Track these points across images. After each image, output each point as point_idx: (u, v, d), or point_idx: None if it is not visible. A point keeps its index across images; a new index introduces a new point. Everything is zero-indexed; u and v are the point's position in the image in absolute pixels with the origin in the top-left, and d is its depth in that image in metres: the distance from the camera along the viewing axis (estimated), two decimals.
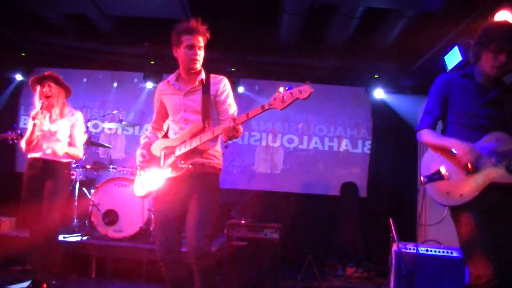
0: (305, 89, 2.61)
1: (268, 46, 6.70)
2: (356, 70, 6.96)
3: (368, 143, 7.16)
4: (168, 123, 3.32)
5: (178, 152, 3.03)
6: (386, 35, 5.98)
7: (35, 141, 4.09)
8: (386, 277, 4.88)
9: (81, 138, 4.32)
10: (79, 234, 5.33)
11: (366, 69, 6.89)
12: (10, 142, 4.47)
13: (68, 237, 5.16)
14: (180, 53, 3.10)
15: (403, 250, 4.46)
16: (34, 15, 6.32)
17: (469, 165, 2.52)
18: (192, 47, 3.04)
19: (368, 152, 7.13)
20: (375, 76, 6.81)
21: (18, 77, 7.19)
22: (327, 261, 6.18)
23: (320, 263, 5.67)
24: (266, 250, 4.73)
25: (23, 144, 4.15)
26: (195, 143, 2.96)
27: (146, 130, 3.43)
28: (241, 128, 2.90)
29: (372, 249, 6.41)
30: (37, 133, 4.09)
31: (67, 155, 4.18)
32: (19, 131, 4.40)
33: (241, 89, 6.98)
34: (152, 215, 5.13)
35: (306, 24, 5.91)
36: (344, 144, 7.22)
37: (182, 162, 3.02)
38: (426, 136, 2.79)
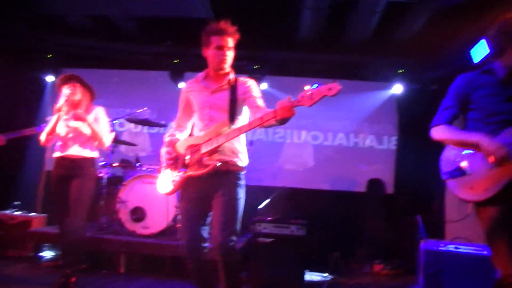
0: (333, 87, 2.60)
1: (290, 42, 6.67)
2: (379, 65, 6.87)
3: (393, 139, 7.07)
4: (194, 120, 3.35)
5: (204, 150, 3.05)
6: (409, 29, 5.88)
7: (55, 134, 4.18)
8: (414, 275, 4.83)
9: (106, 127, 4.38)
10: (107, 230, 5.43)
11: (389, 64, 6.79)
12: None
13: (97, 233, 5.26)
14: (209, 53, 3.15)
15: (431, 247, 4.41)
16: (59, 17, 6.44)
17: (501, 159, 2.44)
18: (221, 48, 3.09)
19: (394, 148, 7.04)
20: (399, 71, 6.72)
21: (46, 78, 7.34)
22: (354, 258, 6.13)
23: (346, 260, 5.63)
24: (292, 246, 4.74)
25: (43, 135, 4.23)
26: (221, 140, 2.98)
27: (171, 128, 3.47)
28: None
29: (399, 246, 6.33)
30: (61, 128, 4.16)
31: (94, 136, 4.22)
32: None
33: (264, 86, 6.97)
34: (179, 212, 5.18)
35: (328, 20, 5.87)
36: (369, 140, 7.15)
37: (208, 159, 3.04)
38: (444, 131, 2.72)
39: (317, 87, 2.64)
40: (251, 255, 4.79)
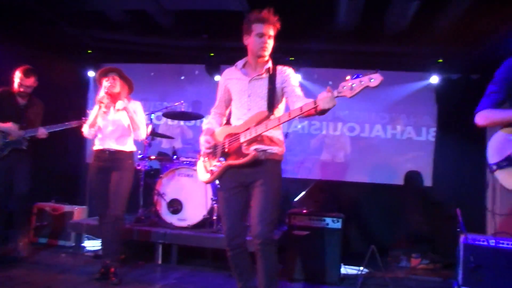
0: (375, 77, 2.56)
1: (326, 33, 6.58)
2: (418, 54, 6.70)
3: (432, 130, 6.90)
4: (231, 108, 3.37)
5: (242, 139, 3.08)
6: (449, 16, 5.68)
7: (101, 130, 4.27)
8: (453, 270, 4.72)
9: (142, 120, 4.45)
10: (145, 222, 5.54)
11: (428, 53, 6.61)
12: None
13: (135, 225, 5.38)
14: (250, 41, 3.17)
15: (472, 242, 4.30)
16: (98, 13, 6.57)
17: None
18: (262, 35, 3.11)
19: (433, 139, 6.87)
20: (439, 60, 6.54)
21: (86, 73, 7.53)
22: (391, 251, 6.04)
23: (383, 253, 5.55)
24: (328, 239, 4.71)
25: (85, 128, 4.34)
26: (260, 130, 2.99)
27: (209, 116, 3.50)
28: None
29: (437, 240, 6.19)
30: (100, 120, 4.26)
31: (133, 125, 4.30)
32: None
33: (299, 78, 6.92)
34: (215, 204, 5.24)
35: (364, 9, 5.76)
36: (407, 132, 7.00)
37: (247, 149, 3.06)
38: (488, 114, 2.61)
39: (358, 77, 2.60)
40: (287, 248, 4.80)
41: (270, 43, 3.17)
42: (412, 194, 6.56)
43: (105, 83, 4.25)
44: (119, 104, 4.24)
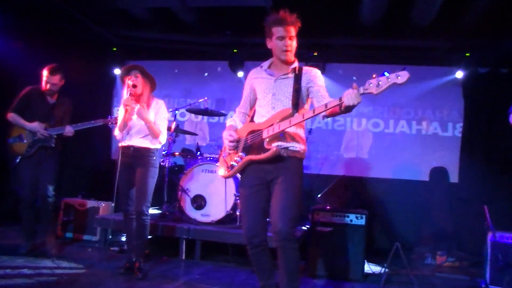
0: (402, 74, 2.55)
1: (350, 28, 6.53)
2: (444, 49, 6.58)
3: (459, 126, 6.77)
4: (256, 107, 3.38)
5: (265, 134, 3.09)
6: (477, 9, 5.57)
7: (127, 128, 4.33)
8: (480, 268, 4.64)
9: (164, 124, 4.49)
10: (169, 218, 5.60)
11: (455, 47, 6.48)
12: (110, 126, 4.84)
13: (159, 220, 5.44)
14: (272, 44, 3.19)
15: (500, 240, 4.21)
16: (123, 11, 6.65)
17: None
18: (282, 38, 3.11)
19: (460, 135, 6.74)
20: (466, 54, 6.40)
21: (111, 71, 7.64)
22: (416, 248, 5.97)
23: (408, 250, 5.50)
24: (351, 236, 4.68)
25: (116, 132, 4.42)
26: (284, 126, 3.00)
27: (233, 114, 3.52)
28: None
29: (464, 237, 6.09)
30: (129, 120, 4.32)
31: (151, 131, 4.34)
32: (117, 116, 4.69)
33: (323, 73, 6.87)
34: (238, 200, 5.26)
35: (389, 3, 5.67)
36: (433, 127, 6.89)
37: (268, 144, 3.06)
38: None
39: (385, 74, 2.59)
40: (310, 244, 4.79)
41: (293, 44, 3.16)
42: (437, 190, 6.46)
43: (128, 81, 4.29)
44: (141, 112, 4.26)
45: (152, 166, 4.40)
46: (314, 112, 2.90)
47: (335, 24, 6.47)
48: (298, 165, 3.17)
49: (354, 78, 6.90)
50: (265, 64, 3.32)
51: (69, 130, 4.85)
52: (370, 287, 4.49)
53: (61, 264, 4.55)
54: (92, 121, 4.87)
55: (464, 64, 6.43)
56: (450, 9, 5.66)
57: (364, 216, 4.69)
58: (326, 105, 2.84)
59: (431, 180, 6.60)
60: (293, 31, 3.12)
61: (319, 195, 5.35)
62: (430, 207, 6.39)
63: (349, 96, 2.70)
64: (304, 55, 6.74)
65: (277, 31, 3.10)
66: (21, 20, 6.63)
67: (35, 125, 4.80)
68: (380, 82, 2.61)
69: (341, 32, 6.66)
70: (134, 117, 4.34)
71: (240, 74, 7.11)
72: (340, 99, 2.74)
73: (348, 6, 6.00)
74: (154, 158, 4.45)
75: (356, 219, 4.70)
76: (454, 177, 6.61)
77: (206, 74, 7.70)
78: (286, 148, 3.13)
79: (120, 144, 4.40)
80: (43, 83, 4.89)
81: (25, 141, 4.85)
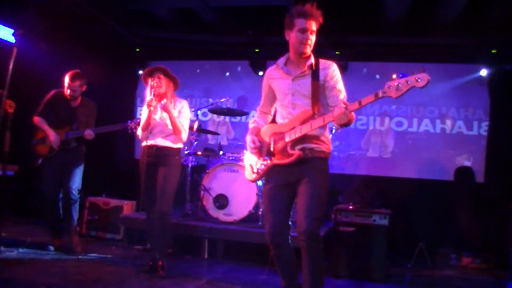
0: (422, 77, 2.52)
1: (373, 25, 6.46)
2: (470, 46, 6.45)
3: (484, 124, 6.64)
4: (276, 107, 3.37)
5: (287, 138, 3.08)
6: (503, 5, 5.45)
7: (149, 128, 4.37)
8: (508, 270, 4.54)
9: (186, 123, 4.52)
10: (192, 217, 5.63)
11: (480, 45, 6.36)
12: (130, 131, 4.85)
13: (182, 219, 5.47)
14: (292, 36, 3.11)
15: None
16: (145, 12, 6.72)
17: None
18: (304, 31, 3.04)
19: (485, 134, 6.61)
20: (492, 51, 6.27)
21: (134, 71, 7.72)
22: (440, 249, 5.88)
23: (432, 251, 5.41)
24: (374, 236, 4.63)
25: (139, 131, 4.46)
26: (305, 129, 2.99)
27: (254, 115, 3.52)
28: (353, 114, 2.86)
29: (490, 238, 5.97)
30: (151, 120, 4.36)
31: (174, 128, 4.37)
32: (137, 121, 4.74)
33: (345, 72, 6.82)
34: (261, 200, 5.25)
35: (413, 0, 5.60)
36: (457, 126, 6.77)
37: (292, 148, 3.05)
38: None
39: (404, 77, 2.56)
40: (332, 244, 4.76)
41: (312, 39, 3.09)
42: (463, 190, 6.34)
43: (151, 83, 4.33)
44: (166, 105, 4.30)
45: (175, 165, 4.43)
46: (333, 117, 2.88)
47: (358, 22, 6.41)
48: (323, 165, 3.13)
49: (377, 77, 6.83)
50: (281, 61, 3.25)
51: (88, 133, 4.91)
52: None
53: (85, 261, 4.63)
54: (112, 125, 4.94)
55: (490, 61, 6.31)
56: (476, 4, 5.55)
57: (387, 216, 4.65)
58: (323, 119, 2.95)
59: (456, 180, 6.48)
60: (315, 25, 3.05)
61: (341, 195, 5.31)
62: (455, 207, 6.27)
63: (338, 117, 2.81)
64: (327, 54, 6.71)
65: (300, 23, 3.03)
66: (45, 22, 6.75)
67: (53, 139, 4.89)
68: (399, 86, 2.60)
69: (364, 30, 6.59)
70: (157, 116, 4.38)
71: (261, 73, 7.10)
72: (360, 102, 2.77)
73: (371, 4, 5.94)
74: (177, 157, 4.48)
75: (379, 219, 4.66)
76: (480, 177, 6.48)
77: (227, 74, 7.72)
78: (311, 149, 3.09)
79: (143, 144, 4.44)
80: (65, 89, 4.98)
81: (47, 143, 4.97)
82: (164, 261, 4.31)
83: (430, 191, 6.60)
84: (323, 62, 3.18)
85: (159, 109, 4.39)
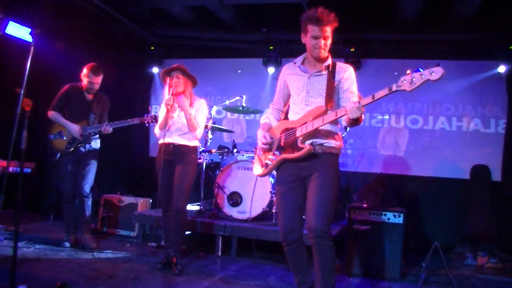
0: (436, 71, 2.52)
1: (388, 22, 6.42)
2: (486, 42, 6.36)
3: (502, 122, 6.54)
4: (290, 104, 3.38)
5: (299, 133, 3.09)
6: None
7: (168, 126, 4.39)
8: None
9: (203, 120, 4.54)
10: (206, 214, 5.66)
11: (498, 41, 6.26)
12: (147, 125, 4.91)
13: (196, 217, 5.50)
14: (306, 40, 3.15)
15: None
16: (160, 10, 6.75)
17: None
18: (316, 38, 3.07)
19: (503, 131, 6.51)
20: (510, 47, 6.17)
21: (149, 69, 7.77)
22: (455, 248, 5.81)
23: (447, 250, 5.36)
24: (388, 234, 4.60)
25: (156, 130, 4.50)
26: (317, 124, 2.99)
27: (267, 111, 3.53)
28: (363, 110, 2.84)
29: (507, 238, 5.89)
30: (170, 118, 4.39)
31: (189, 125, 4.39)
32: (153, 115, 4.77)
33: (359, 70, 6.78)
34: (274, 197, 5.25)
35: None
36: (474, 124, 6.69)
37: (302, 143, 3.05)
38: None
39: (419, 71, 2.56)
40: (346, 242, 4.74)
41: (327, 43, 3.11)
42: (479, 189, 6.26)
43: (170, 82, 4.36)
44: (182, 101, 4.32)
45: (191, 163, 4.46)
46: (346, 110, 2.86)
47: (373, 18, 6.37)
48: (333, 161, 3.14)
49: (396, 73, 6.77)
50: (299, 60, 3.29)
51: (105, 128, 4.95)
52: (408, 287, 4.41)
53: (100, 258, 4.68)
54: (129, 120, 4.97)
55: (508, 58, 6.21)
56: (493, 0, 5.47)
57: (402, 214, 4.61)
58: (336, 113, 2.93)
59: (472, 178, 6.40)
60: (328, 30, 3.06)
61: (355, 193, 5.29)
62: (471, 206, 6.20)
63: (351, 110, 2.79)
64: (341, 51, 6.67)
65: (312, 30, 3.06)
66: (62, 21, 6.83)
67: (75, 129, 4.94)
68: (413, 79, 2.59)
69: (379, 26, 6.55)
70: (175, 115, 4.41)
71: (271, 70, 7.11)
72: (373, 96, 2.76)
73: (386, 0, 5.89)
74: (194, 156, 4.51)
75: (393, 218, 4.62)
76: (496, 176, 6.39)
77: (239, 71, 7.73)
78: (321, 144, 3.11)
79: (160, 142, 4.47)
80: (85, 82, 5.01)
81: (64, 138, 5.01)
82: (178, 258, 4.34)
83: (446, 190, 6.53)
84: (340, 65, 3.22)
85: (177, 108, 4.42)
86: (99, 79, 5.04)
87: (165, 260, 4.39)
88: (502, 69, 6.32)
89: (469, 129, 6.69)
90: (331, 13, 3.05)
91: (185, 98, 4.38)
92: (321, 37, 3.05)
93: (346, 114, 2.83)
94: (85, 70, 5.02)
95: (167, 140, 4.40)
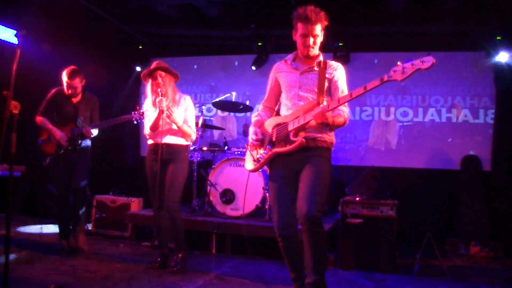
0: (427, 59, 2.58)
1: (375, 15, 6.41)
2: (475, 33, 6.38)
3: (491, 112, 6.59)
4: (281, 100, 3.40)
5: (291, 127, 3.10)
6: None
7: (160, 128, 4.35)
8: None
9: (193, 120, 4.53)
10: (199, 212, 5.65)
11: (486, 32, 6.29)
12: (135, 122, 4.82)
13: (189, 215, 5.49)
14: (296, 38, 3.19)
15: None
16: (147, 9, 6.71)
17: None
18: (305, 36, 3.11)
19: (492, 122, 6.56)
20: (497, 38, 6.20)
21: (138, 68, 7.72)
22: (448, 239, 5.85)
23: (440, 241, 5.39)
24: (382, 227, 4.63)
25: (147, 131, 4.44)
26: (308, 118, 3.01)
27: (258, 109, 3.53)
28: (330, 115, 2.98)
29: (499, 227, 5.94)
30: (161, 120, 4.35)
31: (182, 133, 4.38)
32: (141, 111, 4.71)
33: (348, 63, 6.78)
34: (267, 194, 5.26)
35: None
36: (463, 115, 6.73)
37: (294, 136, 3.06)
38: None
39: (410, 61, 2.63)
40: (340, 236, 4.76)
41: (316, 41, 3.14)
42: (470, 179, 6.30)
43: (153, 82, 4.30)
44: (170, 115, 4.29)
45: (183, 162, 4.45)
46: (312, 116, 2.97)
47: (361, 12, 6.36)
48: (325, 153, 3.17)
49: (382, 67, 6.79)
50: (290, 57, 3.32)
51: (87, 131, 4.89)
52: (402, 278, 4.43)
53: (94, 259, 4.65)
54: (116, 118, 4.92)
55: (496, 49, 6.24)
56: None
57: (394, 206, 4.64)
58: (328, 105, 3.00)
59: (463, 169, 6.44)
60: (317, 29, 3.09)
61: (348, 187, 5.30)
62: (462, 196, 6.24)
63: (316, 116, 2.94)
64: (330, 45, 6.67)
65: (301, 28, 3.09)
66: (48, 22, 6.76)
67: (61, 136, 4.89)
68: (404, 69, 2.64)
69: (367, 20, 6.55)
70: (164, 114, 4.37)
71: (260, 66, 7.11)
72: (365, 87, 2.80)
73: None
74: (185, 154, 4.50)
75: (386, 210, 4.65)
76: (487, 165, 6.45)
77: (230, 68, 7.71)
78: (314, 138, 3.13)
79: (151, 142, 4.44)
80: (65, 88, 4.95)
81: (53, 142, 4.95)
82: (184, 254, 4.34)
83: (437, 181, 6.57)
84: (331, 63, 3.26)
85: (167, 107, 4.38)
86: (76, 82, 4.93)
87: (159, 259, 4.38)
88: (489, 59, 6.34)
89: (459, 120, 6.73)
90: (321, 11, 3.07)
91: (173, 112, 4.30)
92: (309, 35, 3.08)
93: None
94: (62, 75, 4.94)
95: (158, 140, 4.34)
